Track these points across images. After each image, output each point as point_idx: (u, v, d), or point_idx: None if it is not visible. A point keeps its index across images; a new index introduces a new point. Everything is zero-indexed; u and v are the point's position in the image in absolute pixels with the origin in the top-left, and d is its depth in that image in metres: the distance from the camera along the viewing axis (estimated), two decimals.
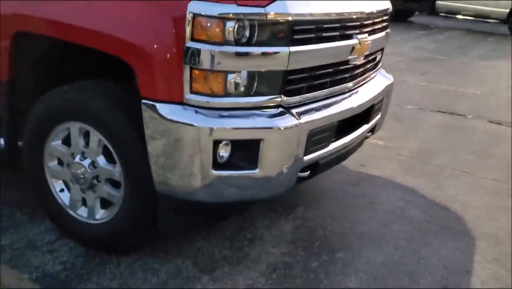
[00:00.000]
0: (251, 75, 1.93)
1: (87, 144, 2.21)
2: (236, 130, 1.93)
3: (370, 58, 2.62)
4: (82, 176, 2.23)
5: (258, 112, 2.00)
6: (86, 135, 2.20)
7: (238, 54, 1.87)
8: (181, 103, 1.91)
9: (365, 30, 2.42)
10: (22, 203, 2.66)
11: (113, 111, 2.07)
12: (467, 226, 2.88)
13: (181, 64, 1.85)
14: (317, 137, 2.19)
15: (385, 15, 2.76)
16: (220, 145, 1.93)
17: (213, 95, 1.91)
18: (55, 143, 2.28)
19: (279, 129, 1.98)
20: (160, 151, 1.97)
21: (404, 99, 5.51)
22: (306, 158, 2.16)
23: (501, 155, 4.13)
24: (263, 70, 1.94)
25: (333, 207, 2.96)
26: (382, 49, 2.86)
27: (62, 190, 2.36)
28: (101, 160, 2.18)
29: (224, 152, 1.96)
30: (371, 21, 2.48)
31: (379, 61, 2.90)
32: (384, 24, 2.79)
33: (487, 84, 6.98)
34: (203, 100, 1.90)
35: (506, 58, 9.61)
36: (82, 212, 2.32)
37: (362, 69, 2.55)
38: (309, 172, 2.27)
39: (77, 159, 2.23)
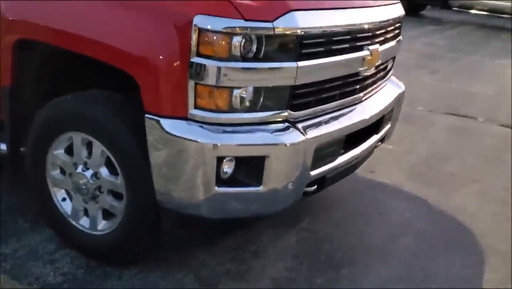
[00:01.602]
0: (257, 91, 1.88)
1: (89, 154, 2.17)
2: (241, 146, 1.88)
3: (381, 67, 2.55)
4: (84, 186, 2.19)
5: (263, 127, 1.94)
6: (89, 145, 2.16)
7: (245, 70, 1.81)
8: (185, 118, 1.86)
9: (377, 40, 2.34)
10: (24, 210, 2.63)
11: (116, 122, 2.02)
12: (476, 240, 2.82)
13: (186, 79, 1.80)
14: (325, 151, 2.13)
15: (398, 22, 2.68)
16: (224, 161, 1.88)
17: (218, 110, 1.85)
18: (58, 152, 2.24)
19: (285, 145, 1.92)
20: (163, 166, 1.92)
21: (414, 100, 5.40)
22: (312, 173, 2.10)
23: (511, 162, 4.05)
24: (269, 86, 1.88)
25: (340, 217, 2.90)
26: (393, 58, 2.78)
27: (64, 199, 2.32)
28: (103, 171, 2.14)
29: (227, 168, 1.91)
30: (383, 31, 2.41)
31: (390, 70, 2.82)
32: (396, 31, 2.71)
33: (499, 84, 6.85)
34: (207, 116, 1.85)
35: None
36: (84, 222, 2.29)
37: (372, 80, 2.48)
38: (315, 186, 2.22)
39: (80, 169, 2.19)
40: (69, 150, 2.22)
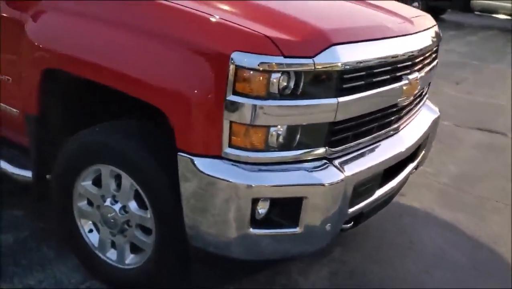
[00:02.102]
0: (295, 128, 1.79)
1: (118, 186, 2.10)
2: (277, 187, 1.79)
3: (417, 94, 2.44)
4: (112, 219, 2.13)
5: (300, 165, 1.85)
6: (118, 178, 2.09)
7: (282, 108, 1.72)
8: (219, 157, 1.78)
9: (416, 68, 2.24)
10: (48, 236, 2.58)
11: (146, 156, 1.95)
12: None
13: (221, 118, 1.72)
14: (363, 188, 2.04)
15: (435, 46, 2.57)
16: (259, 202, 1.80)
17: (253, 149, 1.77)
18: (85, 184, 2.17)
19: (324, 185, 1.83)
20: (195, 205, 1.84)
21: (439, 113, 5.27)
22: (350, 210, 2.01)
23: None
24: (308, 123, 1.79)
25: (372, 247, 2.80)
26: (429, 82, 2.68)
27: (90, 231, 2.27)
28: (132, 205, 2.07)
29: (262, 208, 1.82)
30: (421, 58, 2.30)
31: (425, 94, 2.71)
32: (434, 55, 2.60)
33: None
34: (242, 155, 1.77)
35: None
36: (111, 255, 2.22)
37: (409, 108, 2.38)
38: (352, 222, 2.13)
39: (108, 202, 2.13)
40: (97, 182, 2.16)
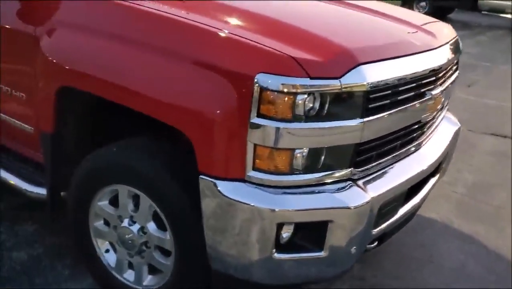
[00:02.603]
0: (320, 151, 1.73)
1: (136, 207, 2.05)
2: (302, 211, 1.73)
3: (440, 108, 2.39)
4: (130, 240, 2.08)
5: (325, 188, 1.79)
6: (136, 198, 2.04)
7: (308, 130, 1.67)
8: (242, 180, 1.73)
9: (439, 83, 2.18)
10: (63, 253, 2.53)
11: (166, 177, 1.90)
12: None
13: (245, 140, 1.66)
14: (388, 208, 1.98)
15: (457, 59, 2.51)
16: (283, 226, 1.74)
17: (278, 172, 1.71)
18: (102, 204, 2.13)
19: (350, 208, 1.77)
20: (217, 229, 1.79)
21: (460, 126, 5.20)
22: (374, 231, 1.96)
23: None
24: (333, 145, 1.74)
25: (392, 262, 2.74)
26: None
27: (107, 251, 2.22)
28: (151, 226, 2.02)
29: (286, 232, 1.77)
30: (444, 72, 2.24)
31: (446, 106, 2.65)
32: (456, 67, 2.55)
33: None
34: (266, 178, 1.71)
35: None
36: (129, 276, 2.18)
37: (431, 122, 2.32)
38: (376, 242, 2.07)
39: (125, 223, 2.08)
40: (115, 201, 2.11)
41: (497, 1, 13.68)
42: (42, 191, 2.37)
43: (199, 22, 1.78)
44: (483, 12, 14.28)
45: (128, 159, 1.99)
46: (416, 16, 2.60)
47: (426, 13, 14.82)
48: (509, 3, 13.54)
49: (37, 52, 2.13)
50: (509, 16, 14.04)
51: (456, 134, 2.67)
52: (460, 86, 6.75)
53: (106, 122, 2.22)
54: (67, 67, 2.03)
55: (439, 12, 14.80)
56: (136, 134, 2.15)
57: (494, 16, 14.36)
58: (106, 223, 2.17)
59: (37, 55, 2.13)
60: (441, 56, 2.18)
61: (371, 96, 1.75)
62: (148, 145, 2.03)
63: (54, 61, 2.06)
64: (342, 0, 2.52)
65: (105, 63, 1.92)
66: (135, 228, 2.06)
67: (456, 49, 2.44)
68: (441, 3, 14.49)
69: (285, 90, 1.60)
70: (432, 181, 2.43)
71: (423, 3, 14.51)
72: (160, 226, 2.00)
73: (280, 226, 1.73)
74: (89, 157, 2.10)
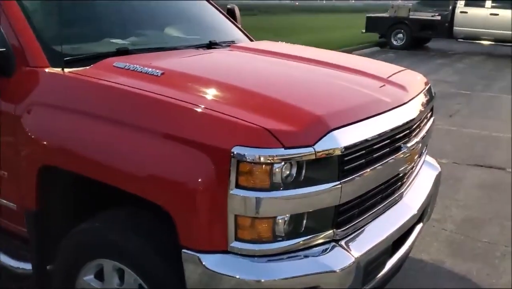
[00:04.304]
0: (301, 216, 1.75)
1: (121, 280, 2.04)
2: (288, 280, 1.73)
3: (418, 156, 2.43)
4: None
5: (308, 252, 1.80)
6: (121, 271, 2.03)
7: (286, 198, 1.69)
8: (225, 251, 1.73)
9: (413, 134, 2.23)
10: None
11: (149, 252, 1.90)
12: None
13: (225, 212, 1.68)
14: (374, 264, 1.98)
15: (430, 106, 2.57)
16: None
17: (260, 241, 1.72)
18: (88, 278, 2.11)
19: (335, 272, 1.78)
20: None
21: (437, 151, 5.25)
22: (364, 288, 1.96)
23: None
24: (313, 209, 1.76)
25: None
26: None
27: None
28: None
29: None
30: (418, 122, 2.30)
31: (425, 152, 2.70)
32: (430, 113, 2.61)
33: None
34: (249, 248, 1.72)
35: None
36: None
37: (411, 171, 2.36)
38: None
39: None
40: (100, 275, 2.10)
41: (471, 29, 14.11)
42: (28, 266, 2.35)
43: (174, 98, 1.82)
44: (459, 40, 14.69)
45: (110, 234, 1.99)
46: (384, 68, 2.67)
47: (404, 44, 15.26)
48: (482, 30, 13.96)
49: (18, 131, 2.15)
50: (484, 42, 14.44)
51: (438, 179, 2.71)
52: (442, 116, 6.89)
53: (89, 196, 2.22)
54: (47, 146, 2.05)
55: (416, 42, 15.23)
56: (119, 206, 2.16)
57: (469, 43, 14.76)
58: None
59: (19, 133, 2.15)
60: (413, 109, 2.23)
61: (345, 158, 1.78)
62: (130, 219, 2.03)
63: (36, 140, 2.08)
64: (309, 58, 2.59)
65: (83, 141, 1.94)
66: None
67: (428, 98, 2.51)
68: (418, 33, 14.91)
69: (262, 161, 1.63)
70: (418, 227, 2.45)
71: (400, 35, 14.92)
72: None
73: None
74: (72, 233, 2.09)
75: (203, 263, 1.71)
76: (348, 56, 2.79)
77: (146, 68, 2.06)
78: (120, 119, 1.88)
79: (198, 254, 1.72)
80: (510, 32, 13.50)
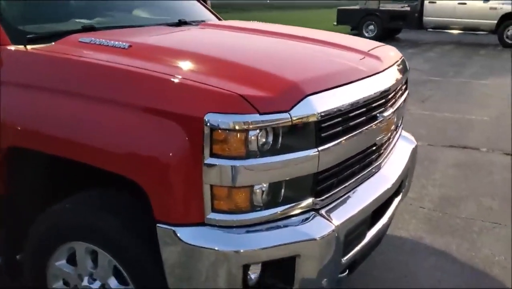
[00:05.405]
0: (279, 184, 1.71)
1: (95, 262, 1.96)
2: (268, 249, 1.68)
3: (394, 128, 2.41)
4: None
5: (288, 221, 1.76)
6: (94, 254, 1.95)
7: (264, 165, 1.64)
8: (202, 224, 1.67)
9: (389, 104, 2.21)
10: None
11: (122, 230, 1.83)
12: None
13: (200, 183, 1.62)
14: (354, 234, 1.96)
15: (405, 78, 2.56)
16: (250, 267, 1.69)
17: (238, 211, 1.67)
18: (60, 263, 2.02)
19: (315, 240, 1.74)
20: (181, 278, 1.72)
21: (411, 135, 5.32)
22: (344, 259, 1.92)
23: None
24: (291, 177, 1.71)
25: (366, 287, 2.70)
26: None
27: None
28: (112, 282, 1.92)
29: (254, 273, 1.71)
30: (394, 93, 2.28)
31: (401, 125, 2.69)
32: (405, 86, 2.60)
33: (492, 108, 6.82)
34: (227, 218, 1.67)
35: (502, 74, 9.53)
36: None
37: (388, 143, 2.34)
38: (347, 271, 2.03)
39: (86, 281, 1.98)
40: (73, 259, 2.01)
41: (440, 18, 14.34)
42: None
43: (142, 68, 1.75)
44: (428, 29, 14.91)
45: (81, 214, 1.90)
46: (361, 42, 2.65)
47: (375, 36, 15.41)
48: (450, 19, 14.21)
49: None
50: (453, 31, 14.71)
51: (414, 152, 2.71)
52: (415, 102, 6.95)
53: (60, 178, 2.13)
54: (12, 127, 1.95)
55: (387, 33, 15.40)
56: (91, 187, 2.07)
57: (440, 32, 15.02)
58: (66, 283, 2.06)
59: None
60: (389, 78, 2.21)
61: (322, 125, 1.74)
62: (101, 198, 1.95)
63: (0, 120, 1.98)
64: (283, 33, 2.55)
65: (51, 119, 1.85)
66: (96, 286, 1.96)
67: (403, 69, 2.50)
68: (389, 24, 15.07)
69: (236, 127, 1.58)
70: (397, 200, 2.44)
71: (371, 27, 15.06)
72: (122, 282, 1.91)
73: (246, 268, 1.67)
74: (42, 216, 2.00)
75: (178, 235, 1.65)
76: (322, 32, 2.75)
77: (112, 42, 1.98)
78: (86, 93, 1.80)
79: (173, 228, 1.66)
80: (478, 21, 13.79)
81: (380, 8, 15.28)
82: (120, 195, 1.95)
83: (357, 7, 16.02)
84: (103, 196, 1.96)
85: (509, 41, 13.53)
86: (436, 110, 6.64)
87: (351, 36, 2.94)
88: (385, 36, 15.15)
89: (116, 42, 1.98)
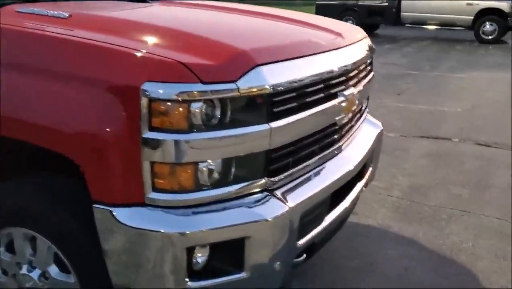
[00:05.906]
0: (227, 162, 1.59)
1: (34, 249, 1.82)
2: (214, 231, 1.57)
3: (357, 110, 2.32)
4: None
5: (238, 202, 1.64)
6: (33, 240, 1.81)
7: (209, 140, 1.52)
8: (142, 204, 1.55)
9: (351, 83, 2.11)
10: None
11: (60, 213, 1.69)
12: (481, 284, 2.58)
13: (139, 159, 1.49)
14: (311, 216, 1.85)
15: (369, 58, 2.47)
16: (196, 250, 1.57)
17: (182, 190, 1.55)
18: None
19: (267, 221, 1.63)
20: (122, 264, 1.60)
21: (384, 126, 5.19)
22: (300, 242, 1.82)
23: (497, 185, 3.88)
24: (241, 154, 1.60)
25: (331, 274, 2.62)
26: (367, 96, 2.57)
27: None
28: (52, 270, 1.79)
29: (201, 256, 1.59)
30: (356, 72, 2.18)
31: (365, 109, 2.60)
32: (369, 68, 2.51)
33: (465, 100, 6.82)
34: (170, 198, 1.54)
35: (477, 68, 9.60)
36: None
37: (350, 125, 2.24)
38: (305, 255, 1.93)
39: (25, 269, 1.83)
40: (11, 247, 1.87)
41: (417, 14, 14.41)
42: None
43: (77, 37, 1.61)
44: (406, 25, 14.97)
45: (17, 198, 1.76)
46: (324, 20, 2.55)
47: None
48: (428, 15, 14.29)
49: None
50: (430, 27, 14.80)
51: (379, 137, 2.62)
52: (390, 95, 6.93)
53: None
54: None
55: (366, 29, 15.40)
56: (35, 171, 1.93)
57: (417, 28, 15.10)
58: (4, 272, 1.91)
59: None
60: (350, 55, 2.12)
61: (275, 99, 1.63)
62: (38, 180, 1.80)
63: None
64: (243, 10, 2.44)
65: None
66: (36, 274, 1.82)
67: (366, 49, 2.40)
68: (366, 20, 15.09)
69: (177, 98, 1.45)
70: (360, 185, 2.35)
71: (349, 22, 15.05)
72: (64, 269, 1.78)
73: (191, 250, 1.55)
74: None
75: (116, 217, 1.52)
76: (285, 11, 2.64)
77: (51, 12, 1.84)
78: (17, 63, 1.65)
79: (109, 208, 1.53)
80: (455, 16, 13.88)
81: (359, 3, 15.28)
82: (61, 177, 1.81)
83: (335, 2, 15.99)
84: (41, 178, 1.82)
85: (485, 37, 13.67)
86: (411, 103, 6.62)
87: (317, 16, 2.84)
88: (364, 31, 15.18)
89: (56, 12, 1.83)
